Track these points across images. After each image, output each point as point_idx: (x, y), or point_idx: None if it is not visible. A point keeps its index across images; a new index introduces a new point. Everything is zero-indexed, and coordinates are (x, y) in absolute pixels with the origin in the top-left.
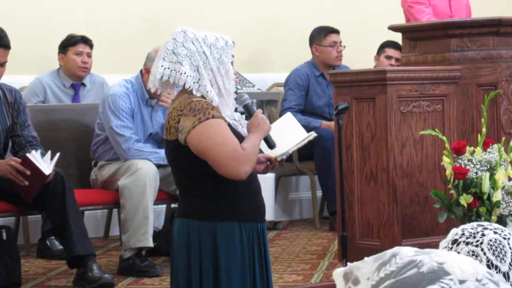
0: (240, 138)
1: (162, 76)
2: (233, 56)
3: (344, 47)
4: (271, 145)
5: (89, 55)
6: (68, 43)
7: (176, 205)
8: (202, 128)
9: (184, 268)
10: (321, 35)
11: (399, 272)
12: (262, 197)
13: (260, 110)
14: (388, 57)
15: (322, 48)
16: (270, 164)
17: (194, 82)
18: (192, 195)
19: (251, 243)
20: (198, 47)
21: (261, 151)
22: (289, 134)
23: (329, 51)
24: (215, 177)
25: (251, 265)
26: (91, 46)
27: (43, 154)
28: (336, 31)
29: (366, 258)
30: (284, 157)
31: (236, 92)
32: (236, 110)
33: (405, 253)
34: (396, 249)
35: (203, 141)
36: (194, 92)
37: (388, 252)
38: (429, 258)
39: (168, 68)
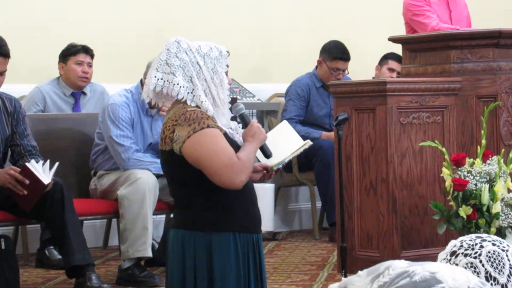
0: (237, 147)
1: (155, 87)
2: (227, 66)
3: (348, 73)
4: (267, 154)
5: (89, 65)
6: (69, 53)
7: None
8: (197, 137)
9: (179, 279)
10: (330, 56)
11: (392, 282)
12: (258, 208)
13: (255, 120)
14: (390, 70)
15: (325, 67)
16: (266, 173)
17: (188, 93)
18: (187, 206)
19: (246, 254)
20: (192, 57)
21: (257, 160)
22: (285, 142)
23: (329, 73)
24: (210, 188)
25: (245, 276)
26: (92, 56)
27: (42, 164)
28: (344, 59)
29: (360, 272)
30: (281, 166)
31: (235, 101)
32: (236, 120)
33: (398, 265)
34: (389, 262)
35: (198, 151)
36: (188, 102)
37: (382, 265)
38: (421, 268)
39: (162, 79)
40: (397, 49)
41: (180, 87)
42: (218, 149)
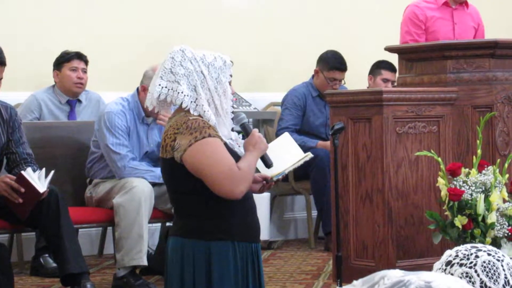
0: (237, 157)
1: (159, 95)
2: (231, 75)
3: (344, 83)
4: (268, 164)
5: (84, 71)
6: (63, 60)
7: (171, 224)
8: (198, 146)
9: (178, 287)
10: (327, 65)
11: None
12: (257, 217)
13: (256, 130)
14: (385, 80)
15: (322, 77)
16: (266, 184)
17: (192, 102)
18: (186, 214)
19: (245, 263)
20: (196, 67)
21: (257, 170)
22: (286, 154)
23: (325, 83)
24: (210, 196)
25: (244, 286)
26: (86, 62)
27: (38, 172)
28: (341, 69)
29: (355, 281)
30: (280, 177)
31: (232, 112)
32: (232, 129)
33: (393, 274)
34: (384, 271)
35: (198, 160)
36: (191, 111)
37: (377, 275)
38: (416, 277)
39: (166, 87)
40: (393, 58)
41: (185, 95)
42: (218, 158)
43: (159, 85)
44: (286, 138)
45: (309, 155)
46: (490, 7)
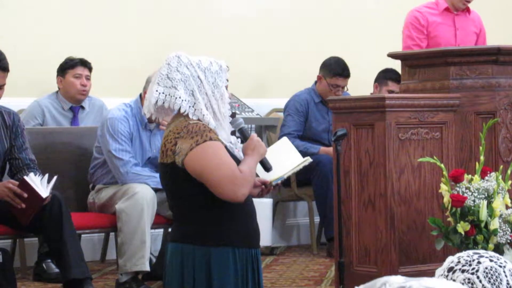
0: (236, 161)
1: (157, 101)
2: (227, 80)
3: (347, 89)
4: (267, 167)
5: (88, 78)
6: (67, 66)
7: None
8: (200, 150)
9: None
10: (330, 72)
11: None
12: (256, 222)
13: (255, 134)
14: (390, 91)
15: (324, 83)
16: (265, 188)
17: (190, 106)
18: (186, 220)
19: (244, 268)
20: (193, 72)
21: (256, 175)
22: (285, 158)
23: (328, 90)
24: (210, 202)
25: None
26: (90, 69)
27: (41, 178)
28: (344, 75)
29: None
30: (279, 181)
31: (233, 116)
32: (234, 133)
33: (395, 280)
34: (385, 278)
35: (201, 163)
36: (190, 115)
37: (379, 281)
38: (418, 283)
39: (163, 93)
40: (396, 65)
41: (182, 100)
42: (220, 161)
43: (156, 91)
44: (285, 143)
45: (308, 159)
46: (491, 14)
